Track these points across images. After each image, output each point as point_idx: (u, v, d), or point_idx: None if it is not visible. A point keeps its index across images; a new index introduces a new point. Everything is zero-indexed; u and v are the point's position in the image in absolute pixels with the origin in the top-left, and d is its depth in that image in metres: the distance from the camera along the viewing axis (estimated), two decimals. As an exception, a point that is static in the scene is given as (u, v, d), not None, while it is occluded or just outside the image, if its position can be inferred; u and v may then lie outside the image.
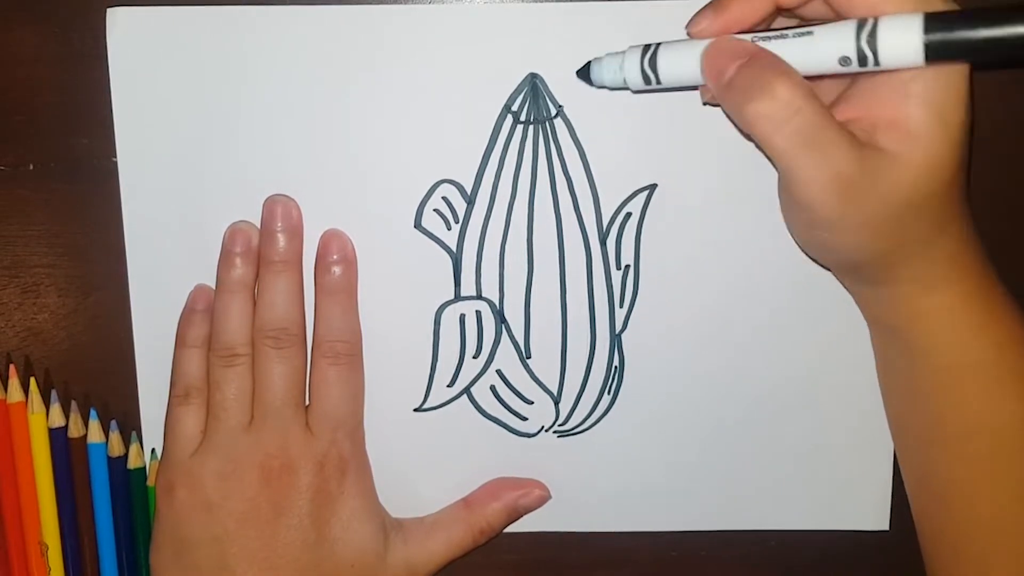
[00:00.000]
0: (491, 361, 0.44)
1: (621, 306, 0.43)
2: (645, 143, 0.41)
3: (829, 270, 0.41)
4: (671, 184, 0.42)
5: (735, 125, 0.35)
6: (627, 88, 0.37)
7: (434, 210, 0.42)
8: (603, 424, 0.44)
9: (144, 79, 0.41)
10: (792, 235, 0.38)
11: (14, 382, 0.43)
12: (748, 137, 0.34)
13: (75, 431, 0.43)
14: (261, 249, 0.41)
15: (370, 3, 0.40)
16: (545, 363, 0.44)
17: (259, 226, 0.42)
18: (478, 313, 0.43)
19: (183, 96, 0.41)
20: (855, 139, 0.33)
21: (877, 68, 0.32)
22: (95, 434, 0.43)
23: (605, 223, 0.42)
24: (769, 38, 0.33)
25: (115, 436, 0.43)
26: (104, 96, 0.41)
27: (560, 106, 0.41)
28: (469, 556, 0.44)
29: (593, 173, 0.42)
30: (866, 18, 0.32)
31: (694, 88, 0.37)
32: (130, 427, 0.44)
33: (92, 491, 0.43)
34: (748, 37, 0.34)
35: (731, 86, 0.33)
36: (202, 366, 0.41)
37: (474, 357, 0.44)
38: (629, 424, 0.44)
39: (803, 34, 0.33)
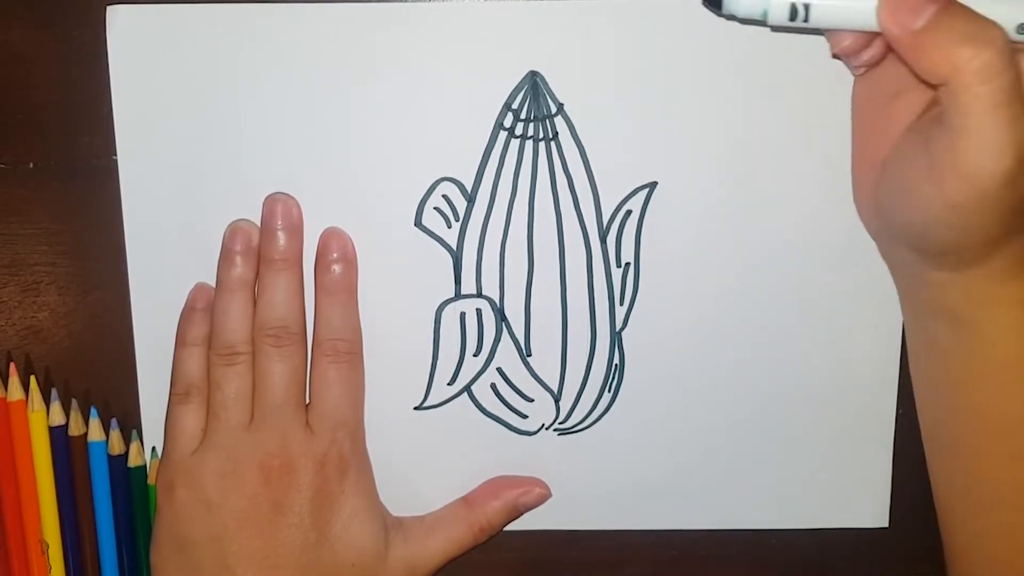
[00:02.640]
0: (491, 359, 0.44)
1: (621, 304, 0.43)
2: (645, 141, 0.41)
3: (883, 248, 0.39)
4: (671, 182, 0.42)
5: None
6: (760, 22, 0.33)
7: (434, 208, 0.42)
8: (603, 422, 0.44)
9: (144, 77, 0.41)
10: (884, 202, 0.36)
11: (14, 380, 0.43)
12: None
13: (75, 429, 0.43)
14: (261, 247, 0.41)
15: (371, 1, 0.40)
16: (545, 361, 0.44)
17: (259, 224, 0.42)
18: (478, 311, 0.43)
19: (183, 94, 0.41)
20: None
21: None
22: (95, 432, 0.43)
23: (605, 221, 0.42)
24: None
25: (115, 434, 0.43)
26: (104, 94, 0.41)
27: (560, 104, 0.41)
28: (469, 554, 0.44)
29: (593, 171, 0.42)
30: None
31: (814, 33, 0.33)
32: (130, 425, 0.44)
33: (92, 489, 0.43)
34: None
35: (928, 31, 0.30)
36: (202, 365, 0.41)
37: (474, 355, 0.44)
38: (629, 422, 0.44)
39: None
